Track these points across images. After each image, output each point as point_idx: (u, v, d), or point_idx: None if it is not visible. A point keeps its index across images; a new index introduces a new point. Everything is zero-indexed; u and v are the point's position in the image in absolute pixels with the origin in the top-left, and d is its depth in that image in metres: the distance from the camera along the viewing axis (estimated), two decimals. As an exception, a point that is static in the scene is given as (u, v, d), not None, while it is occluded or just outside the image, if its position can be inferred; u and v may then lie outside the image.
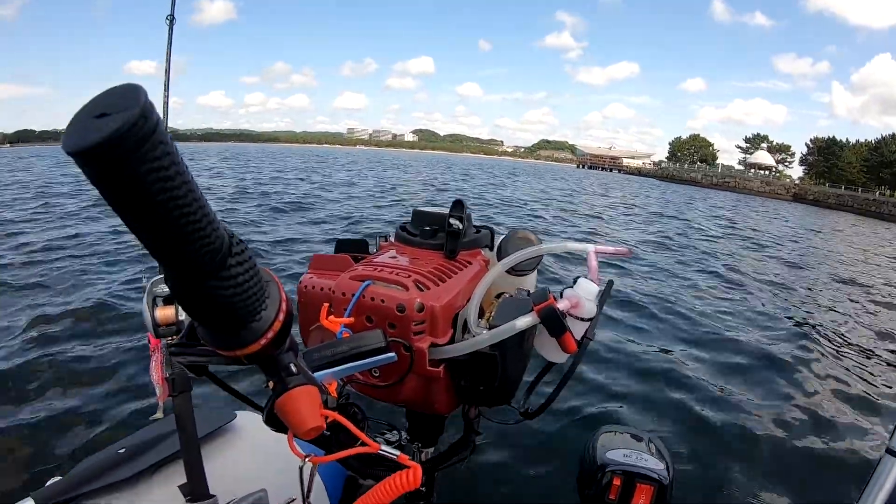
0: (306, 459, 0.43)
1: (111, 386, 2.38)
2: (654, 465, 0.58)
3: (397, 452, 0.41)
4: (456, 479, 1.71)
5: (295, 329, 0.36)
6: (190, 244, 0.24)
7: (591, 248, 0.54)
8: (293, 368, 0.36)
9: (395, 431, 0.69)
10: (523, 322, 0.46)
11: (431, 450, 0.68)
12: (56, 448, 1.92)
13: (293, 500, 0.93)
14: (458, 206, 0.59)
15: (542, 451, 2.05)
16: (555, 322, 0.47)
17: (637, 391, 2.72)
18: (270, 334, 0.31)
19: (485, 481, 1.86)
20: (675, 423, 2.44)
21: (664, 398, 2.67)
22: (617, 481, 0.56)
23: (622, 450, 0.60)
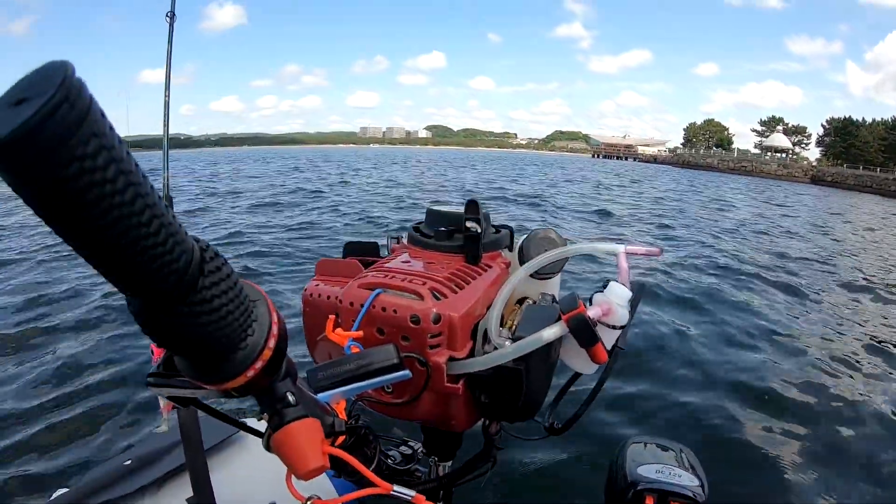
0: (308, 502, 0.38)
1: (117, 396, 2.37)
2: (688, 481, 0.53)
3: (412, 493, 0.37)
4: (474, 495, 1.66)
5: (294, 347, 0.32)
6: (145, 265, 0.20)
7: (620, 248, 0.50)
8: (290, 399, 0.31)
9: (410, 444, 0.65)
10: (551, 333, 0.42)
11: (449, 464, 0.64)
12: (61, 459, 1.91)
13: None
14: (473, 206, 0.53)
15: (565, 462, 1.97)
16: (586, 332, 0.42)
17: (667, 399, 2.57)
18: (259, 364, 0.27)
19: (506, 496, 1.79)
20: (704, 431, 2.32)
21: (697, 405, 2.53)
22: (650, 501, 0.52)
23: (654, 465, 0.55)
